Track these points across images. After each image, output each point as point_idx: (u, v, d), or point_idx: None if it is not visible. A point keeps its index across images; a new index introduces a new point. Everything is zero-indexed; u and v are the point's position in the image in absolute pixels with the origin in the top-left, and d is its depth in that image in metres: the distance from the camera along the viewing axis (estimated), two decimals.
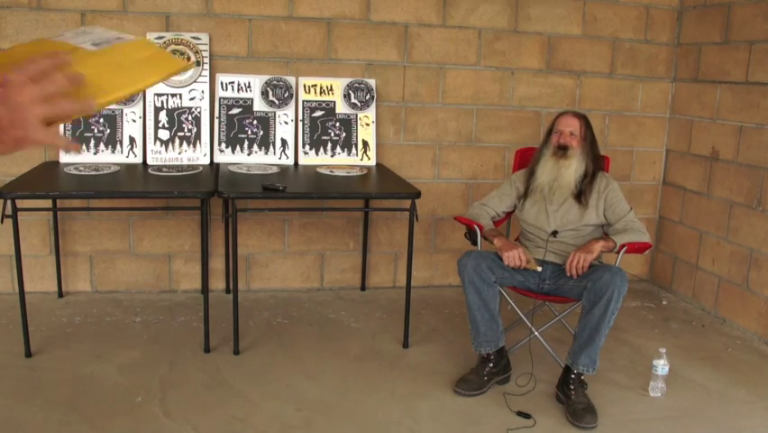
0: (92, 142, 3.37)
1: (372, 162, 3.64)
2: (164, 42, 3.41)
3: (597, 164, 2.88)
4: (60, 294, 3.56)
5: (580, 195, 2.80)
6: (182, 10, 3.45)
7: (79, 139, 3.33)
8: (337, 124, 3.61)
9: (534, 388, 2.75)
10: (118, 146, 3.40)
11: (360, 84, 3.64)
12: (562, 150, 2.81)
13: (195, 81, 3.46)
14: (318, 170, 3.40)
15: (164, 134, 3.43)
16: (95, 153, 3.37)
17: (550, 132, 2.89)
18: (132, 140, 3.41)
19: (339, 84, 3.62)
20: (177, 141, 3.44)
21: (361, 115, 3.64)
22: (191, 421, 2.42)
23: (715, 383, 2.91)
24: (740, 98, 3.55)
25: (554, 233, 2.79)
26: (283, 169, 3.41)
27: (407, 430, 2.44)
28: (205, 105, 3.48)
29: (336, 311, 3.57)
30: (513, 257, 2.67)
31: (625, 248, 2.66)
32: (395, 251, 3.94)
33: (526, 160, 3.09)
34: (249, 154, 3.51)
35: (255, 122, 3.53)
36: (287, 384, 2.73)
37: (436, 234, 3.99)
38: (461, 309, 3.18)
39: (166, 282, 3.72)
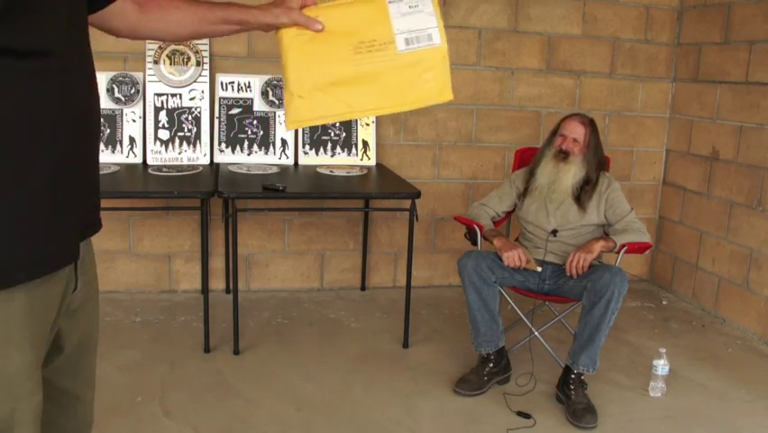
0: None
1: (372, 162, 3.64)
2: (165, 42, 3.41)
3: (600, 170, 2.87)
4: None
5: (579, 198, 2.80)
6: None
7: None
8: (337, 124, 3.60)
9: (534, 388, 2.75)
10: (118, 146, 3.40)
11: None
12: (564, 154, 2.80)
13: (195, 81, 3.46)
14: (318, 170, 3.40)
15: (164, 134, 3.43)
16: None
17: (555, 132, 2.89)
18: (131, 140, 3.41)
19: None
20: (177, 141, 3.44)
21: None
22: (191, 421, 2.42)
23: (715, 383, 2.91)
24: (740, 98, 3.55)
25: (554, 232, 2.79)
26: (283, 169, 3.41)
27: (407, 430, 2.44)
28: (205, 106, 3.48)
29: (336, 311, 3.57)
30: (513, 257, 2.67)
31: (625, 248, 2.66)
32: (395, 251, 3.94)
33: (526, 160, 3.09)
34: (249, 154, 3.51)
35: (255, 122, 3.53)
36: (287, 384, 2.73)
37: (436, 234, 3.99)
38: (461, 309, 3.18)
39: (166, 282, 3.72)
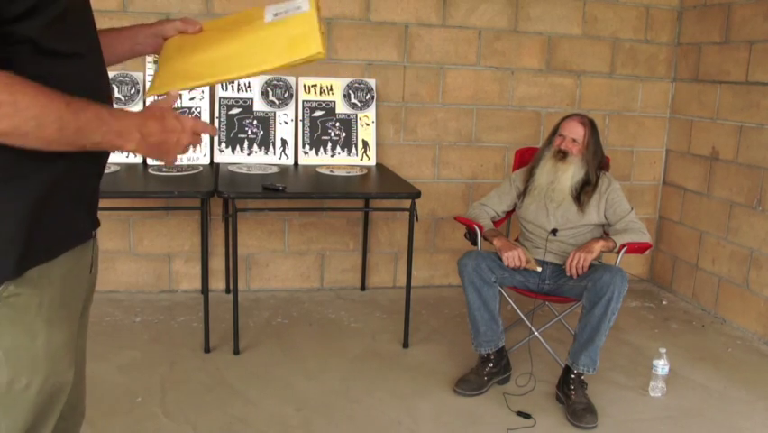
0: None
1: (372, 162, 3.64)
2: None
3: (600, 170, 2.87)
4: None
5: (579, 198, 2.80)
6: (182, 10, 3.45)
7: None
8: (337, 124, 3.61)
9: (534, 388, 2.75)
10: None
11: (360, 84, 3.64)
12: (562, 154, 2.80)
13: None
14: (318, 170, 3.40)
15: None
16: None
17: (555, 132, 2.89)
18: None
19: (339, 84, 3.62)
20: None
21: (361, 114, 3.64)
22: (191, 421, 2.42)
23: (715, 383, 2.91)
24: (740, 98, 3.55)
25: (554, 231, 2.79)
26: (283, 169, 3.41)
27: (407, 430, 2.44)
28: (205, 105, 3.48)
29: (336, 311, 3.57)
30: (513, 257, 2.67)
31: (625, 248, 2.66)
32: (395, 251, 3.94)
33: (526, 160, 3.09)
34: (249, 154, 3.51)
35: (255, 122, 3.53)
36: (287, 384, 2.73)
37: (436, 234, 3.99)
38: (461, 309, 3.18)
39: (166, 282, 3.72)
